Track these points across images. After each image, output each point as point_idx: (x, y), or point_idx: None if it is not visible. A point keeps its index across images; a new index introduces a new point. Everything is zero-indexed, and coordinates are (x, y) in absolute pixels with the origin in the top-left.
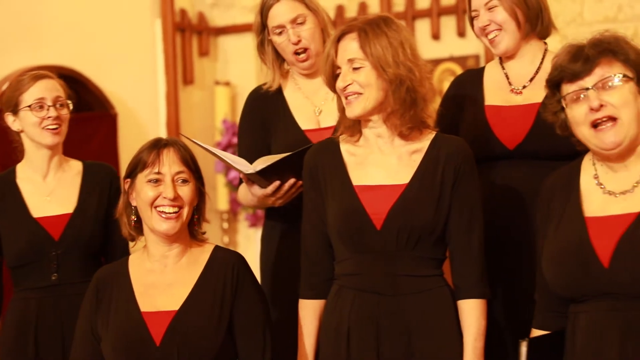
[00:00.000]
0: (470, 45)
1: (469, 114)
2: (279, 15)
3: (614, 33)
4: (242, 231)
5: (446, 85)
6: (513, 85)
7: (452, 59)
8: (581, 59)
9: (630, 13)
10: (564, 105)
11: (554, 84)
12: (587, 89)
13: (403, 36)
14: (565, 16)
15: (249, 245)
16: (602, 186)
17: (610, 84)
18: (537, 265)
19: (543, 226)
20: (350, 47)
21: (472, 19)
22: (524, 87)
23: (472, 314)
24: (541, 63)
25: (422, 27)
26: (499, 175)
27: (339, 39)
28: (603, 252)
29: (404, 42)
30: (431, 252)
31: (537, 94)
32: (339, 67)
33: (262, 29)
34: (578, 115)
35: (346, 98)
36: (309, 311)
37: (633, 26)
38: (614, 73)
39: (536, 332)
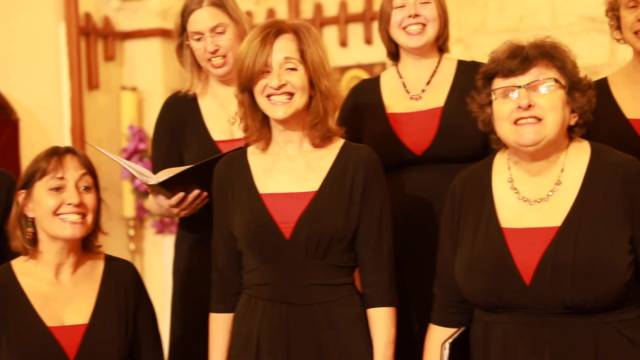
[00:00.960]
0: (378, 53)
1: (371, 124)
2: (199, 21)
3: (556, 40)
4: (148, 238)
5: None
6: (411, 92)
7: (359, 66)
8: (520, 57)
9: (531, 23)
10: (492, 99)
11: (488, 77)
12: (519, 87)
13: (325, 48)
14: (469, 26)
15: (156, 252)
16: (517, 191)
17: (542, 86)
18: (438, 260)
19: (451, 227)
20: (289, 47)
21: (389, 13)
22: (423, 91)
23: (381, 322)
24: (436, 67)
25: (330, 34)
26: (409, 181)
27: (275, 37)
28: (525, 268)
29: (326, 54)
30: (341, 260)
31: (436, 98)
32: (267, 67)
33: (181, 32)
34: (503, 111)
35: (270, 97)
36: (220, 325)
37: (534, 36)
38: (548, 77)
39: (435, 329)
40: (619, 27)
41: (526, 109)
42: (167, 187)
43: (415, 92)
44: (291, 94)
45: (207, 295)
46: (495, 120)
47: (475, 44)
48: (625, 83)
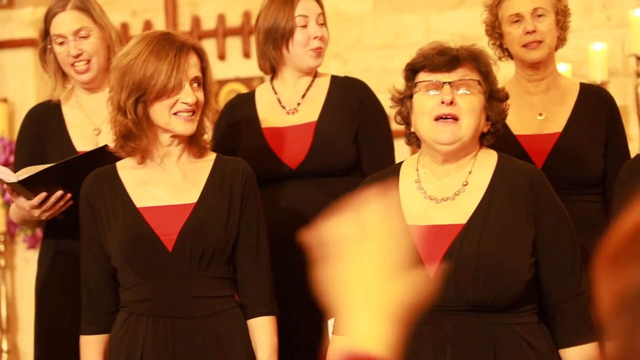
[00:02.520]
0: (256, 67)
1: (246, 138)
2: (62, 24)
3: (482, 48)
4: (20, 254)
5: None
6: (286, 108)
7: (237, 79)
8: (449, 55)
9: (406, 40)
10: (414, 92)
11: (413, 70)
12: (445, 83)
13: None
14: (346, 41)
15: (28, 268)
16: (423, 191)
17: (465, 87)
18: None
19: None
20: (197, 65)
21: (292, 31)
22: (298, 104)
23: (264, 331)
24: (311, 82)
25: (208, 47)
26: (284, 195)
27: (185, 54)
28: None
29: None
30: (223, 272)
31: (310, 112)
32: (182, 84)
33: (45, 35)
34: (425, 106)
35: (177, 114)
36: (93, 347)
37: (408, 52)
38: (473, 78)
39: (338, 339)
40: (501, 45)
41: (448, 104)
42: (29, 187)
43: (290, 107)
44: (195, 111)
45: (73, 314)
46: (415, 114)
47: (352, 59)
48: (511, 99)
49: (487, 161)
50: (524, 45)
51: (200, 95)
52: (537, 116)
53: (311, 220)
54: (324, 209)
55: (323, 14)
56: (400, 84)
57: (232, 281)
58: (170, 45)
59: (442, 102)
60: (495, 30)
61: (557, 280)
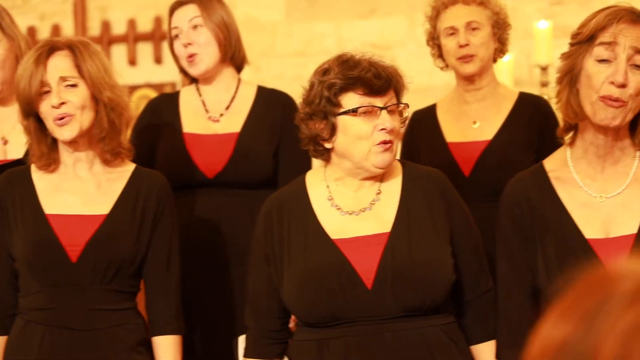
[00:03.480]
0: (167, 72)
1: (166, 141)
2: None
3: (395, 66)
4: None
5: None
6: (210, 113)
7: (148, 85)
8: (383, 78)
9: (318, 48)
10: (341, 112)
11: (340, 89)
12: (382, 108)
13: (106, 60)
14: (258, 48)
15: None
16: (338, 207)
17: (395, 110)
18: (249, 289)
19: (269, 250)
20: (64, 63)
21: (172, 40)
22: (222, 115)
23: (168, 350)
24: (236, 92)
25: (119, 52)
26: (198, 203)
27: (48, 55)
28: (365, 274)
29: (107, 66)
30: (126, 286)
31: (234, 122)
32: (44, 87)
33: None
34: (364, 131)
35: (59, 119)
36: None
37: (320, 60)
38: (396, 101)
39: None
40: (440, 55)
41: (390, 132)
42: None
43: (214, 114)
44: (71, 115)
45: None
46: (347, 136)
47: (264, 66)
48: (448, 108)
49: (394, 169)
50: (458, 58)
51: (72, 96)
52: (472, 124)
53: (223, 230)
54: (236, 220)
55: (205, 16)
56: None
57: (134, 294)
58: (35, 51)
59: (383, 129)
60: (434, 41)
61: (468, 278)
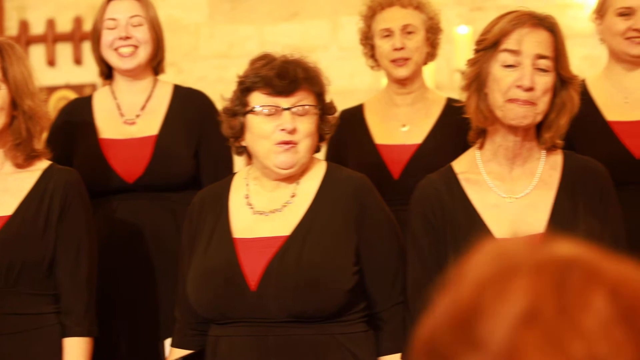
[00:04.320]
0: (88, 73)
1: (82, 146)
2: None
3: (314, 64)
4: None
5: None
6: (125, 116)
7: (68, 86)
8: (288, 79)
9: (241, 50)
10: (249, 111)
11: (247, 88)
12: (285, 109)
13: (30, 67)
14: (180, 49)
15: None
16: (252, 206)
17: (304, 112)
18: (179, 283)
19: (189, 245)
20: None
21: (100, 30)
22: (137, 116)
23: (74, 352)
24: (151, 92)
25: (37, 53)
26: (119, 209)
27: None
28: (251, 275)
29: (31, 73)
30: (40, 289)
31: (150, 125)
32: None
33: None
34: (265, 130)
35: None
36: None
37: (243, 62)
38: (310, 103)
39: (176, 352)
40: (373, 55)
41: (291, 132)
42: None
43: (129, 117)
44: None
45: None
46: (251, 134)
47: (187, 68)
48: (377, 109)
49: (315, 172)
50: (392, 61)
51: None
52: (401, 127)
53: (146, 234)
54: (159, 223)
55: (144, 14)
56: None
57: (53, 297)
58: None
59: (283, 129)
60: (368, 41)
61: (379, 289)
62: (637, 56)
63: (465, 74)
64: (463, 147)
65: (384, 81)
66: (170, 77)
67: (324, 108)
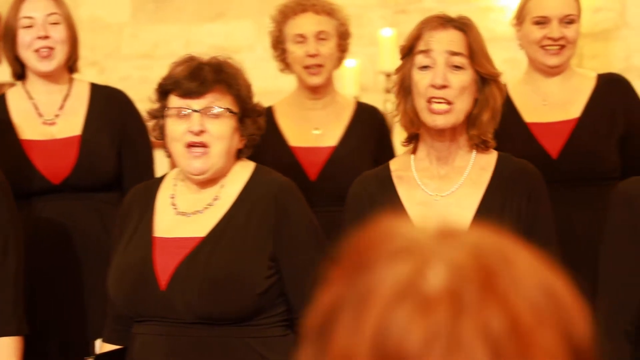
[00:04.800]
0: (4, 71)
1: (3, 149)
2: None
3: (235, 63)
4: None
5: None
6: (44, 116)
7: None
8: (198, 81)
9: (166, 50)
10: (166, 114)
11: (164, 91)
12: (194, 110)
13: None
14: (103, 49)
15: None
16: (175, 207)
17: (215, 114)
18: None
19: (116, 242)
20: None
21: (16, 29)
22: (57, 116)
23: (5, 352)
24: (69, 91)
25: None
26: (46, 210)
27: None
28: (162, 275)
29: None
30: None
31: (72, 125)
32: None
33: None
34: (177, 132)
35: None
36: None
37: (167, 62)
38: (222, 105)
39: (106, 347)
40: (284, 60)
41: (198, 134)
42: None
43: (48, 117)
44: None
45: None
46: (167, 138)
47: (109, 67)
48: (288, 112)
49: (240, 174)
50: (306, 67)
51: None
52: (314, 130)
53: (73, 234)
54: (85, 223)
55: (61, 14)
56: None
57: None
58: None
59: (190, 132)
60: (279, 45)
61: (298, 294)
62: (553, 66)
63: (394, 82)
64: (375, 149)
65: None
66: (93, 77)
67: (243, 110)
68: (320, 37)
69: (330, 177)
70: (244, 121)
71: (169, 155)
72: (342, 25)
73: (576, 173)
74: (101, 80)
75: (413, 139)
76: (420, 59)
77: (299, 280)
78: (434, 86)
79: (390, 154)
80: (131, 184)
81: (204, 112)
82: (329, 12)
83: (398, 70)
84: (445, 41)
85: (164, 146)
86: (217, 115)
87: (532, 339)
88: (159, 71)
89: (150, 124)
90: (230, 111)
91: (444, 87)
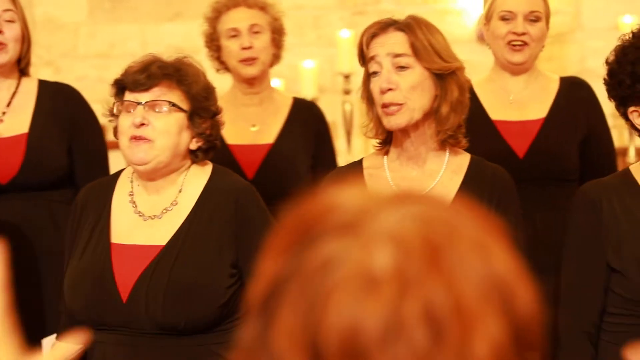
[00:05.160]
0: None
1: None
2: None
3: (194, 62)
4: None
5: None
6: None
7: None
8: (145, 74)
9: (122, 50)
10: (119, 110)
11: (120, 87)
12: (139, 103)
13: None
14: (59, 48)
15: None
16: (135, 205)
17: (158, 108)
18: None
19: (70, 243)
20: None
21: None
22: (4, 113)
23: None
24: (17, 88)
25: None
26: None
27: None
28: (123, 285)
29: None
30: None
31: (19, 123)
32: None
33: None
34: (123, 125)
35: None
36: None
37: (124, 62)
38: (166, 99)
39: (58, 344)
40: (219, 57)
41: (138, 127)
42: None
43: None
44: None
45: None
46: (117, 132)
47: (65, 67)
48: (224, 110)
49: (199, 178)
50: (241, 61)
51: None
52: (251, 127)
53: (24, 234)
54: (36, 222)
55: (15, 11)
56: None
57: None
58: None
59: (133, 124)
60: (213, 42)
61: None
62: (516, 63)
63: (359, 88)
64: (314, 145)
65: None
66: (48, 77)
67: (194, 108)
68: (253, 30)
69: (268, 175)
70: (194, 119)
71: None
72: (276, 20)
73: (540, 173)
74: (57, 80)
75: (386, 143)
76: (370, 66)
77: None
78: (381, 91)
79: (329, 150)
80: (83, 180)
81: (149, 105)
82: (262, 6)
83: (363, 79)
84: (386, 44)
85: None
86: (161, 107)
87: (475, 321)
88: (116, 71)
89: (112, 123)
90: (175, 105)
91: (389, 90)
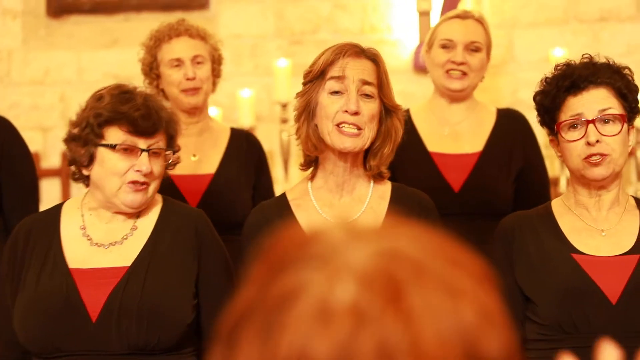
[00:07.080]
0: None
1: None
2: None
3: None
4: None
5: None
6: None
7: None
8: (151, 121)
9: (58, 77)
10: (105, 147)
11: (105, 121)
12: (143, 150)
13: None
14: None
15: None
16: (89, 238)
17: (158, 153)
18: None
19: (10, 276)
20: None
21: None
22: None
23: None
24: None
25: None
26: None
27: None
28: (93, 307)
29: None
30: None
31: None
32: None
33: None
34: (119, 167)
35: None
36: None
37: (59, 89)
38: (164, 145)
39: None
40: (157, 85)
41: (146, 174)
42: None
43: None
44: None
45: None
46: (103, 170)
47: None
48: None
49: (152, 203)
50: (184, 90)
51: None
52: (191, 157)
53: None
54: None
55: None
56: (52, 120)
57: None
58: None
59: (138, 170)
60: (152, 71)
61: (211, 324)
62: (455, 90)
63: (295, 106)
64: (252, 177)
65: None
66: None
67: (170, 146)
68: (196, 60)
69: (211, 204)
70: (167, 158)
71: (77, 180)
72: (216, 50)
73: (475, 207)
74: None
75: (312, 164)
76: (332, 84)
77: (213, 311)
78: (347, 112)
79: (267, 180)
80: (14, 210)
81: (152, 152)
82: (203, 36)
83: (302, 94)
84: (359, 69)
85: (78, 170)
86: (159, 156)
87: None
88: (50, 98)
89: (71, 147)
90: (164, 149)
91: (356, 113)
